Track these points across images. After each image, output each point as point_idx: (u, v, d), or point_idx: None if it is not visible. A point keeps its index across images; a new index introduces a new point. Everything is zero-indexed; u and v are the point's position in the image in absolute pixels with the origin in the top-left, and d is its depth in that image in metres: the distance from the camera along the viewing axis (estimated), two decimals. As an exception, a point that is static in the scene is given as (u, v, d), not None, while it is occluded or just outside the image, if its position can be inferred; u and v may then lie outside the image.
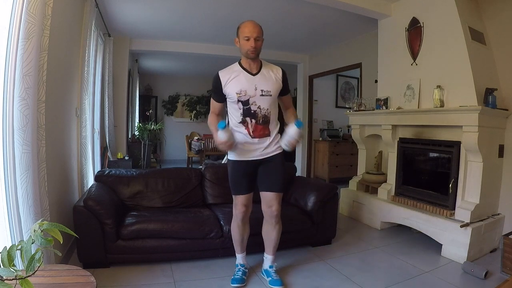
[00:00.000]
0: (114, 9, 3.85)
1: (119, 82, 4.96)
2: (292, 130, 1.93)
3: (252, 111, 1.96)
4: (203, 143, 6.73)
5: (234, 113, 2.01)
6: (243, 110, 1.96)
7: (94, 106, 3.39)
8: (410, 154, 3.34)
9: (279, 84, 2.03)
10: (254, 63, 1.99)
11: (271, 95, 1.97)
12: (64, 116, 2.48)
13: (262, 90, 1.95)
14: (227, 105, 2.06)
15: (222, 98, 2.04)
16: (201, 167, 3.28)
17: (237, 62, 2.04)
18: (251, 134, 1.99)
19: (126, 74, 5.11)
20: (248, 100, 1.95)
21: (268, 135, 2.02)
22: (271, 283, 2.15)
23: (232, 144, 1.94)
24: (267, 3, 3.62)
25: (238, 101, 1.95)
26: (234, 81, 1.96)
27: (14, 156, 1.52)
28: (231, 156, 2.09)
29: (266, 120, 1.99)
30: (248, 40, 1.91)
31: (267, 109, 1.98)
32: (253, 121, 1.97)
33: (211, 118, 2.08)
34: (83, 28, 2.88)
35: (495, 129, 2.78)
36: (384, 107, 3.52)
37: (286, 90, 2.12)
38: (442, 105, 2.88)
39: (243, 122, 1.98)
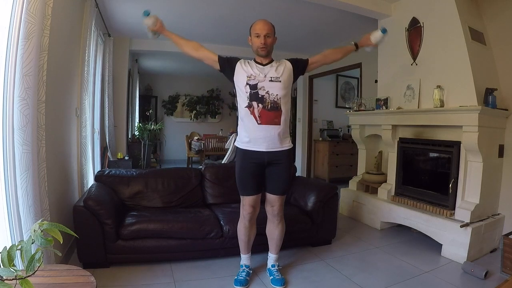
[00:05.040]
0: (114, 9, 3.85)
1: (119, 82, 4.95)
2: (378, 36, 2.20)
3: (260, 96, 1.97)
4: (203, 143, 6.72)
5: (242, 98, 2.01)
6: (249, 94, 1.97)
7: (94, 106, 3.39)
8: (410, 154, 3.34)
9: (289, 70, 2.05)
10: (266, 59, 2.06)
11: (280, 81, 1.99)
12: (64, 116, 2.48)
13: (271, 77, 1.99)
14: (236, 95, 2.06)
15: (222, 62, 2.07)
16: (201, 167, 3.28)
17: (252, 59, 2.11)
18: (258, 120, 1.97)
19: (126, 74, 5.11)
20: (257, 84, 1.97)
21: (277, 123, 1.99)
22: (272, 282, 2.16)
23: (158, 28, 2.14)
24: (267, 3, 3.62)
25: (247, 84, 1.97)
26: (246, 67, 2.02)
27: (14, 156, 1.52)
28: (238, 143, 2.10)
29: (275, 107, 1.97)
30: (258, 37, 1.98)
31: (277, 94, 1.98)
32: (260, 105, 1.96)
33: (196, 44, 2.13)
34: (83, 28, 2.88)
35: (495, 129, 2.78)
36: (384, 107, 3.52)
37: (302, 60, 2.14)
38: (442, 105, 2.88)
39: (249, 106, 1.98)
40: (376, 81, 4.00)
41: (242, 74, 2.01)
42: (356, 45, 2.24)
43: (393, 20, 3.53)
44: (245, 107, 1.99)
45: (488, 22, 3.02)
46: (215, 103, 9.12)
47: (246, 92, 1.98)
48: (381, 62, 3.74)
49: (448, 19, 2.87)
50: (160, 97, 8.72)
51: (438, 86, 2.91)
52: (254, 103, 1.97)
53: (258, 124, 1.97)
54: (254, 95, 1.97)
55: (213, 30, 4.63)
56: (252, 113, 1.98)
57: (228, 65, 2.07)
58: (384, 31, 2.21)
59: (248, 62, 2.07)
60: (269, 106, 1.97)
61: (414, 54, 3.23)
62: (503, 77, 2.91)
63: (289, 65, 2.07)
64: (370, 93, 4.31)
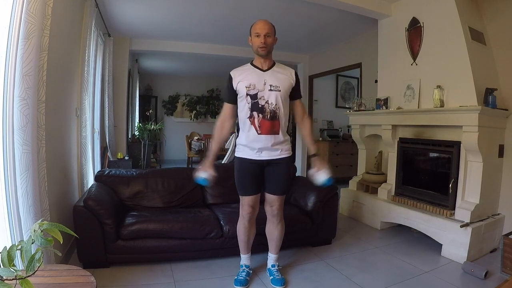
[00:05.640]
0: (114, 9, 3.85)
1: (119, 82, 4.95)
2: (319, 179, 2.02)
3: (260, 106, 1.95)
4: (203, 143, 6.72)
5: (243, 109, 2.00)
6: (251, 104, 1.96)
7: (94, 106, 3.39)
8: (410, 154, 3.34)
9: (290, 82, 2.03)
10: (266, 61, 2.02)
11: (280, 91, 1.97)
12: (64, 116, 2.48)
13: (271, 85, 1.96)
14: (238, 104, 2.04)
15: (233, 98, 2.04)
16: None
17: (249, 62, 2.07)
18: (258, 130, 1.96)
19: (126, 74, 5.11)
20: (257, 94, 1.95)
21: (277, 133, 1.99)
22: (272, 282, 2.17)
23: (210, 168, 2.07)
24: (266, 3, 3.62)
25: (247, 94, 1.96)
26: (244, 77, 1.99)
27: (14, 156, 1.52)
28: (238, 153, 2.09)
29: (274, 116, 1.96)
30: (258, 36, 1.95)
31: (275, 104, 1.96)
32: (260, 116, 1.95)
33: (219, 123, 2.11)
34: (83, 28, 2.88)
35: (495, 129, 2.78)
36: (384, 107, 3.52)
37: (297, 92, 2.11)
38: (442, 105, 2.88)
39: (250, 116, 1.97)
40: (376, 81, 4.00)
41: (241, 85, 1.98)
42: (313, 155, 2.09)
43: (393, 20, 3.53)
44: (247, 117, 1.98)
45: (488, 22, 3.02)
46: (215, 103, 9.12)
47: (248, 103, 1.96)
48: (381, 62, 3.74)
49: (448, 19, 2.87)
50: (160, 97, 8.72)
51: (438, 86, 2.91)
52: (255, 113, 1.96)
53: (258, 134, 1.97)
54: (255, 105, 1.96)
55: (213, 30, 4.63)
56: (253, 123, 1.97)
57: (233, 94, 2.03)
58: (327, 182, 2.02)
59: (242, 69, 2.03)
60: (268, 116, 1.96)
61: (414, 54, 3.23)
62: (503, 77, 2.91)
63: (293, 79, 2.04)
64: (370, 93, 4.31)
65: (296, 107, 2.15)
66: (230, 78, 2.02)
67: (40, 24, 1.59)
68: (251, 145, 2.00)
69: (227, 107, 2.09)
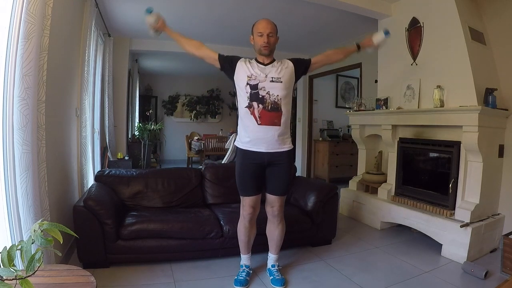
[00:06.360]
0: (114, 9, 3.85)
1: (119, 82, 4.95)
2: (379, 38, 2.21)
3: (260, 96, 1.95)
4: (203, 143, 6.73)
5: (242, 98, 2.00)
6: (250, 94, 1.96)
7: (94, 106, 3.39)
8: (410, 154, 3.34)
9: (290, 70, 2.04)
10: (268, 58, 2.04)
11: (281, 82, 1.98)
12: (64, 116, 2.48)
13: (272, 77, 1.98)
14: (236, 95, 2.05)
15: (223, 58, 2.07)
16: (201, 167, 3.28)
17: (254, 58, 2.10)
18: (258, 120, 1.96)
19: (126, 74, 5.11)
20: (257, 84, 1.96)
21: (277, 124, 1.98)
22: (272, 282, 2.16)
23: (160, 26, 2.19)
24: (266, 3, 3.62)
25: (247, 84, 1.96)
26: (247, 66, 2.01)
27: (14, 156, 1.52)
28: (238, 143, 2.09)
29: (275, 107, 1.96)
30: (261, 36, 1.97)
31: (277, 95, 1.96)
32: (260, 106, 1.95)
33: (191, 40, 2.22)
34: (83, 28, 2.88)
35: (495, 129, 2.78)
36: (384, 107, 3.52)
37: (303, 61, 2.13)
38: (442, 105, 2.88)
39: (249, 106, 1.97)
40: (376, 81, 4.00)
41: (243, 73, 1.99)
42: (358, 46, 2.24)
43: (393, 20, 3.53)
44: (245, 107, 1.98)
45: (488, 22, 3.02)
46: (215, 103, 9.12)
47: (247, 92, 1.97)
48: (381, 62, 3.74)
49: (448, 19, 2.87)
50: (160, 97, 8.71)
51: (438, 86, 2.91)
52: (255, 104, 1.96)
53: (258, 124, 1.96)
54: (255, 96, 1.96)
55: (213, 30, 4.63)
56: (252, 113, 1.97)
57: (228, 64, 2.06)
58: (386, 33, 2.21)
59: (249, 61, 2.06)
60: (269, 106, 1.96)
61: (414, 54, 3.23)
62: (503, 77, 2.91)
63: (291, 65, 2.06)
64: (370, 93, 4.31)
65: (319, 60, 2.18)
66: (237, 59, 2.06)
67: (40, 24, 1.59)
68: (251, 135, 2.00)
69: (213, 51, 2.10)
